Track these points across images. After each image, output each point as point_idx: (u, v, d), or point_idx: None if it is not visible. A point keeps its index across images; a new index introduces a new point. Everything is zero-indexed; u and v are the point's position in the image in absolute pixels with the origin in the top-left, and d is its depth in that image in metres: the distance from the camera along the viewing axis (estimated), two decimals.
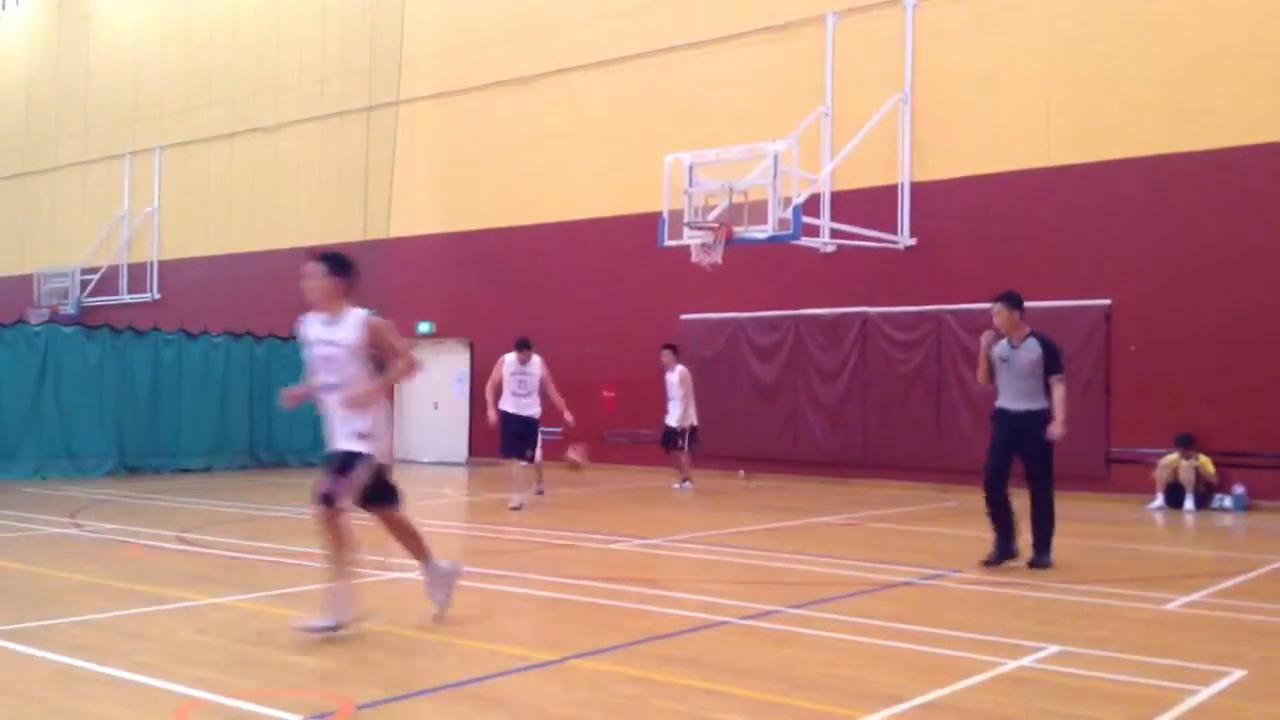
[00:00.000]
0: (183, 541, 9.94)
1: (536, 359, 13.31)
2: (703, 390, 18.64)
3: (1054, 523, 8.80)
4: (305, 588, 7.61)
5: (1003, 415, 8.83)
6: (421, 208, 22.32)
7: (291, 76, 24.56)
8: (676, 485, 16.10)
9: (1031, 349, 8.74)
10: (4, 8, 31.55)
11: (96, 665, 5.31)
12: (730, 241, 15.12)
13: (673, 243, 15.71)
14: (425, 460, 21.60)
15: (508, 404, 13.18)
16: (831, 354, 17.39)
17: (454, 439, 21.56)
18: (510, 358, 13.25)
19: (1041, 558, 8.72)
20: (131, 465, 17.83)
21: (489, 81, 21.40)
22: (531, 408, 13.21)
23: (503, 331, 20.81)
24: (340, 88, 23.57)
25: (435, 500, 14.87)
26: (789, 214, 14.86)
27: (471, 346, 21.39)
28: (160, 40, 27.33)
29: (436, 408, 22.02)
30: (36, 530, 10.77)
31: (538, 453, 13.57)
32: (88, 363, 17.50)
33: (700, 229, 15.25)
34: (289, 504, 13.43)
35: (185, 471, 18.21)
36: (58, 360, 17.12)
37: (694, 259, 15.43)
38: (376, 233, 22.61)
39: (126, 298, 27.10)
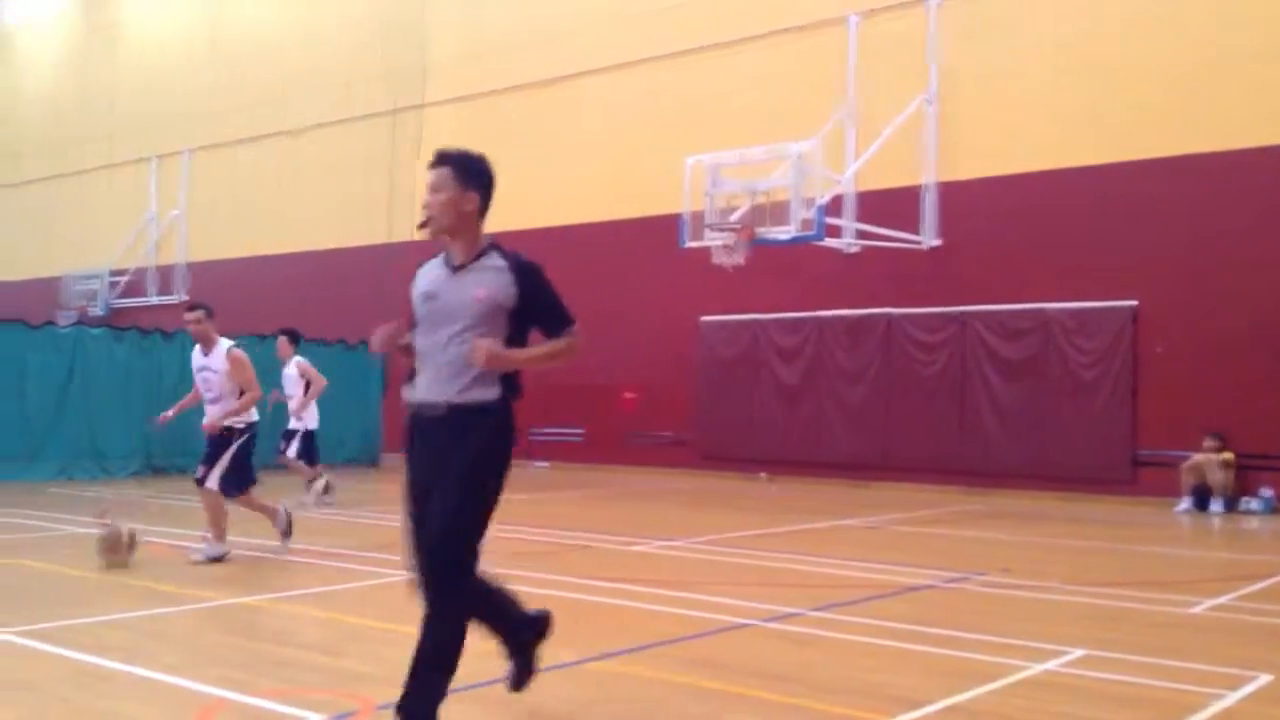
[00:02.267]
0: (207, 542, 9.97)
1: (223, 346, 9.17)
2: (724, 392, 18.60)
3: (454, 664, 4.17)
4: (330, 587, 7.65)
5: (416, 423, 4.30)
6: None
7: (317, 81, 24.69)
8: (310, 498, 13.22)
9: (489, 272, 4.34)
10: (30, 15, 31.83)
11: (120, 665, 5.34)
12: (753, 243, 15.09)
13: (694, 244, 15.71)
14: None
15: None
16: (854, 355, 17.33)
17: None
18: (196, 348, 9.39)
19: None
20: (157, 466, 17.94)
21: (510, 85, 21.46)
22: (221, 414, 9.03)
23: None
24: (365, 92, 23.68)
25: None
26: (812, 214, 14.83)
27: None
28: (186, 45, 27.53)
29: None
30: (61, 530, 10.86)
31: (214, 472, 8.88)
32: (115, 364, 17.62)
33: (722, 230, 15.23)
34: (314, 504, 13.46)
35: None
36: (86, 362, 17.25)
37: (715, 260, 15.42)
38: (400, 235, 22.70)
39: (155, 299, 27.31)
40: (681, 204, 15.88)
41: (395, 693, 4.89)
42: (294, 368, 13.47)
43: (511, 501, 13.53)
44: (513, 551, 9.90)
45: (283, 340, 13.54)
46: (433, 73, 22.75)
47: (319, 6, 25.01)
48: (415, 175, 22.74)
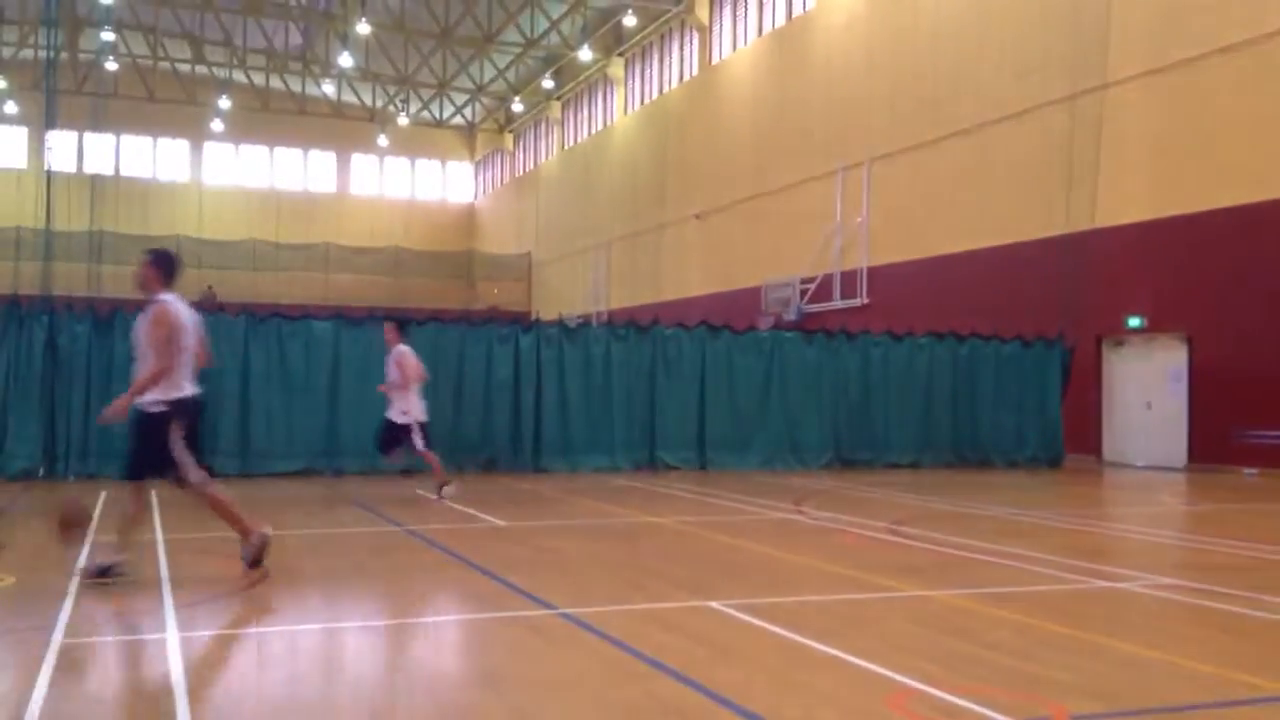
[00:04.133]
0: (894, 533, 10.37)
1: (155, 301, 7.24)
2: None
3: None
4: (1016, 589, 7.54)
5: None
6: (1129, 194, 20.97)
7: (991, 75, 24.47)
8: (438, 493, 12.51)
9: None
10: (732, 56, 35.55)
11: (818, 644, 5.72)
12: None
13: None
14: (1139, 464, 20.26)
15: None
16: None
17: (1170, 442, 19.95)
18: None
19: None
20: (845, 458, 19.07)
21: (1203, 52, 19.46)
22: None
23: (1225, 324, 18.83)
24: (1040, 80, 22.98)
25: (1151, 508, 13.88)
26: None
27: (1189, 341, 19.65)
28: (867, 63, 28.78)
29: (1150, 408, 20.56)
30: (766, 515, 11.95)
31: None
32: (806, 364, 19.11)
33: None
34: (995, 503, 13.40)
35: (894, 466, 19.02)
36: (782, 362, 18.94)
37: None
38: (1079, 224, 21.71)
39: (839, 303, 29.05)
40: None
41: (1093, 705, 4.68)
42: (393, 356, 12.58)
43: (1215, 512, 12.17)
44: (1212, 565, 8.98)
45: (389, 327, 12.78)
46: (1115, 50, 21.37)
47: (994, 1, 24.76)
48: (1096, 161, 21.60)
